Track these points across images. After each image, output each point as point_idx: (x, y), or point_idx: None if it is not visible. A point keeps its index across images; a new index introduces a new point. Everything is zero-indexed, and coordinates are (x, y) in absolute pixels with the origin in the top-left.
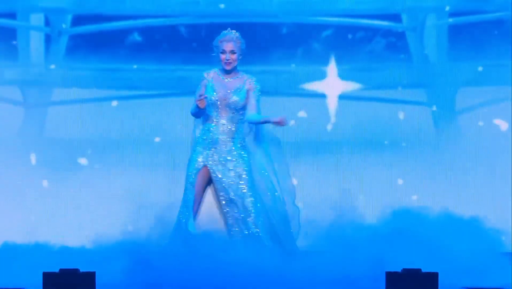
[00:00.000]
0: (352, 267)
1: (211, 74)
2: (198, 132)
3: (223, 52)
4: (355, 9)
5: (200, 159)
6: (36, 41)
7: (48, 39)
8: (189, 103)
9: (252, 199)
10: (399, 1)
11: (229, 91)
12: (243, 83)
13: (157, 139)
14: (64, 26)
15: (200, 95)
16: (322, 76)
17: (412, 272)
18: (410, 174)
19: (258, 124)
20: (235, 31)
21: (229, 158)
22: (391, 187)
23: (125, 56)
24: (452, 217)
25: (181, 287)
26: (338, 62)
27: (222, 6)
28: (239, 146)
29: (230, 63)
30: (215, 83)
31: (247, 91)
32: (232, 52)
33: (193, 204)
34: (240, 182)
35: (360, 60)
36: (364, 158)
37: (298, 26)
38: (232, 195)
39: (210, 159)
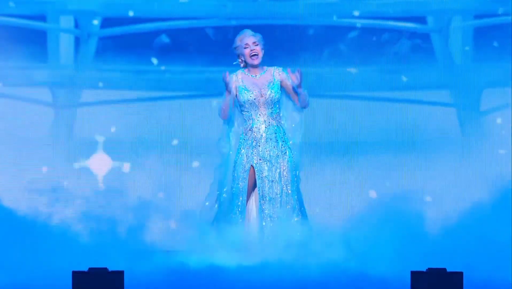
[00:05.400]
0: (377, 266)
1: (240, 76)
2: (237, 132)
3: (247, 46)
4: (380, 11)
5: (245, 160)
6: (65, 43)
7: (77, 41)
8: (216, 105)
9: (293, 198)
10: (424, 3)
11: (263, 87)
12: (272, 75)
13: (177, 141)
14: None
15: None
16: (348, 77)
17: (437, 272)
18: (435, 174)
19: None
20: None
21: (272, 154)
22: (417, 187)
23: (153, 58)
24: (476, 216)
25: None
26: (364, 63)
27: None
28: (281, 141)
29: (256, 54)
30: (246, 83)
31: (280, 82)
32: (255, 44)
33: (243, 205)
34: (282, 180)
35: (385, 62)
36: (389, 158)
37: (324, 28)
38: (273, 193)
39: (255, 158)
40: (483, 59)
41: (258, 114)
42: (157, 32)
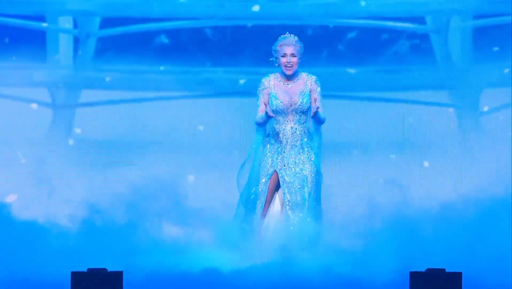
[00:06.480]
0: (376, 267)
1: (272, 82)
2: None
3: (284, 55)
4: (379, 11)
5: (269, 164)
6: (64, 43)
7: (76, 42)
8: (215, 105)
9: (315, 202)
10: (423, 3)
11: (293, 96)
12: (305, 84)
13: (176, 140)
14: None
15: (268, 115)
16: (347, 78)
17: (436, 272)
18: (434, 174)
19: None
20: (293, 35)
21: (297, 161)
22: (415, 188)
23: (152, 58)
24: (475, 216)
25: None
26: (363, 64)
27: (256, 8)
28: (306, 148)
29: (291, 66)
30: (278, 91)
31: (310, 92)
32: (293, 55)
33: (261, 209)
34: (308, 185)
35: (384, 62)
36: (388, 158)
37: (323, 28)
38: (298, 199)
39: (279, 163)
40: (482, 59)
41: (286, 121)
42: (156, 33)
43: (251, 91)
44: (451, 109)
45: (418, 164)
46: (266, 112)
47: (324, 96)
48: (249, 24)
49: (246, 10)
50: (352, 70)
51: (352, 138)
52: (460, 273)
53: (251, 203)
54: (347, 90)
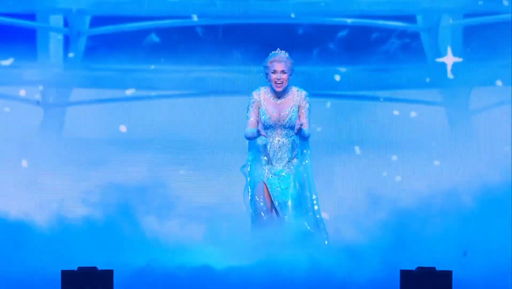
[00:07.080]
0: (366, 264)
1: (262, 96)
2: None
3: (275, 72)
4: (370, 10)
5: (259, 176)
6: (55, 42)
7: (67, 40)
8: (205, 103)
9: (303, 211)
10: (414, 2)
11: (282, 112)
12: (294, 100)
13: (166, 139)
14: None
15: (262, 134)
16: (337, 76)
17: (426, 271)
18: (425, 173)
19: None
20: (284, 51)
21: (283, 174)
22: (406, 186)
23: (142, 57)
24: (466, 215)
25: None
26: (353, 62)
27: (247, 7)
28: (294, 159)
29: (281, 83)
30: (267, 106)
31: (298, 107)
32: (283, 72)
33: (263, 216)
34: (295, 187)
35: (375, 61)
36: (378, 157)
37: (314, 27)
38: (284, 200)
39: (266, 174)
40: (472, 58)
41: (274, 134)
42: (147, 31)
43: (243, 90)
44: (441, 108)
45: (409, 162)
46: (258, 130)
47: (314, 95)
48: (238, 22)
49: (237, 9)
50: (342, 69)
51: (343, 138)
52: (450, 272)
53: (259, 214)
54: (337, 89)
